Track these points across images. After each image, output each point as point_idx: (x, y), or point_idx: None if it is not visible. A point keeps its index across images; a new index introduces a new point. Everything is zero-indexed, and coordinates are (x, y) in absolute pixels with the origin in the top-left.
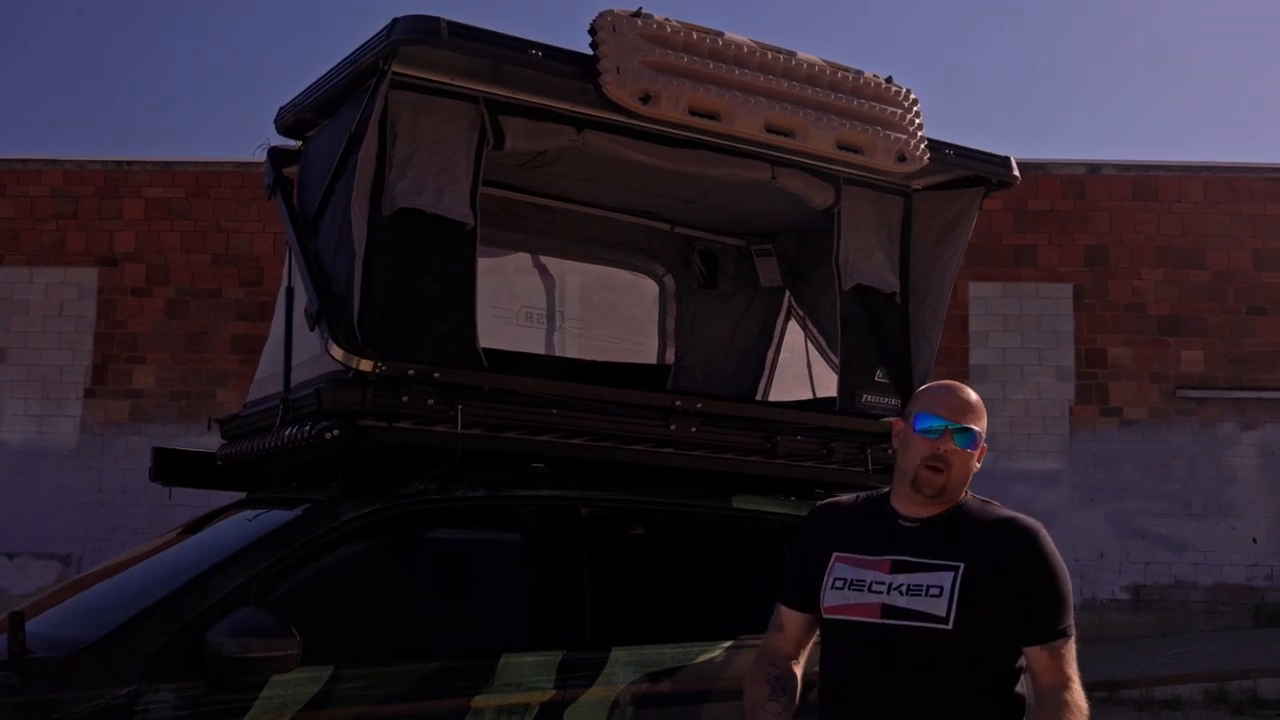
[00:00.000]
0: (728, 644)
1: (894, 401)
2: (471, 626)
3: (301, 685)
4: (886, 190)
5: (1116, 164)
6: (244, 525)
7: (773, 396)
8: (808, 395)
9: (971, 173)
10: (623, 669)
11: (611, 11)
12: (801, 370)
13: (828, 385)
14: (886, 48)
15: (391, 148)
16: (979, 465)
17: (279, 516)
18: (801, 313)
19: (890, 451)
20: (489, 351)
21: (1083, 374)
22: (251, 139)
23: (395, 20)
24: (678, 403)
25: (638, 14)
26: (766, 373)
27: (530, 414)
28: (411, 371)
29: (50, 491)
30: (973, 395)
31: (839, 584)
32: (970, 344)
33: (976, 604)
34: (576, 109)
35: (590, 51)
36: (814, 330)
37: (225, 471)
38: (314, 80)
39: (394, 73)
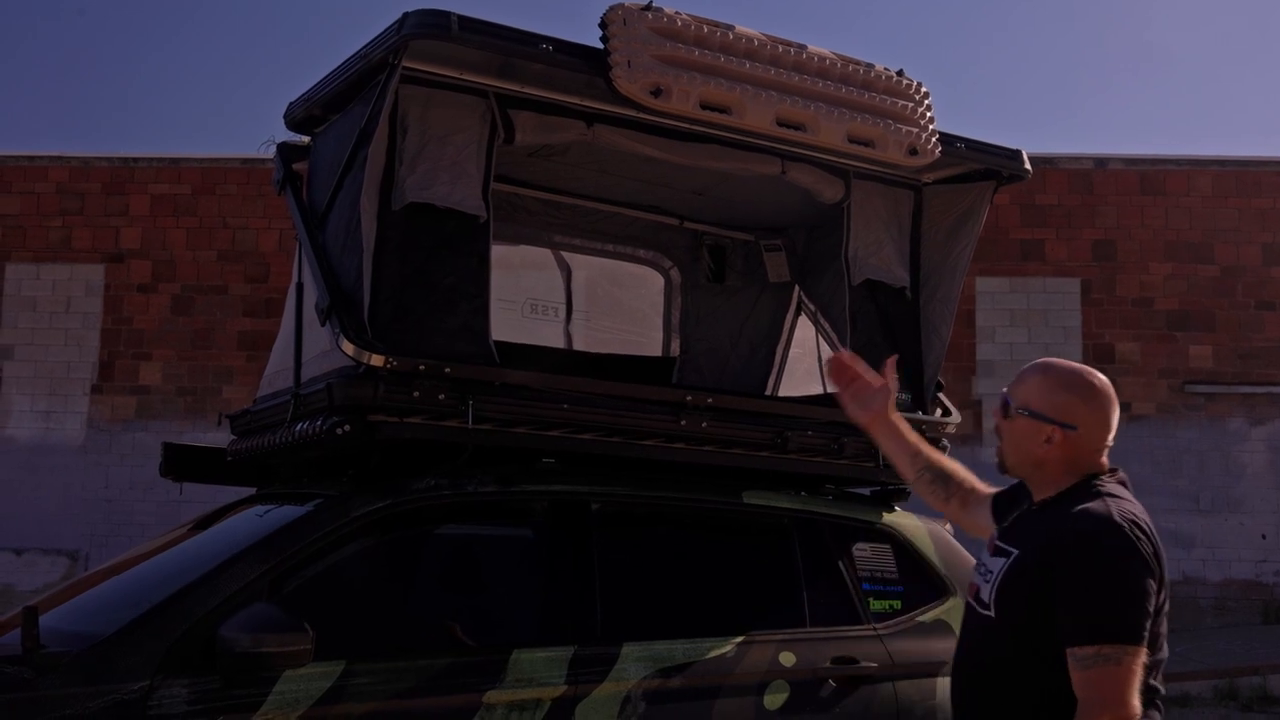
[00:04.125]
0: (739, 639)
1: (905, 396)
2: (483, 622)
3: (314, 680)
4: (897, 184)
5: (1124, 158)
6: (255, 521)
7: (783, 392)
8: (819, 390)
9: (983, 166)
10: (634, 664)
11: (622, 5)
12: (812, 365)
13: None
14: (891, 42)
15: (401, 142)
16: (1048, 439)
17: (290, 512)
18: (813, 308)
19: None
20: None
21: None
22: (257, 135)
23: (406, 15)
24: (688, 398)
25: (648, 8)
26: (776, 368)
27: (541, 409)
28: (422, 366)
29: (57, 487)
30: (1033, 365)
31: (977, 564)
32: (977, 339)
33: (1014, 593)
34: (587, 103)
35: (600, 45)
36: (825, 325)
37: (235, 467)
38: (324, 75)
39: (404, 67)
